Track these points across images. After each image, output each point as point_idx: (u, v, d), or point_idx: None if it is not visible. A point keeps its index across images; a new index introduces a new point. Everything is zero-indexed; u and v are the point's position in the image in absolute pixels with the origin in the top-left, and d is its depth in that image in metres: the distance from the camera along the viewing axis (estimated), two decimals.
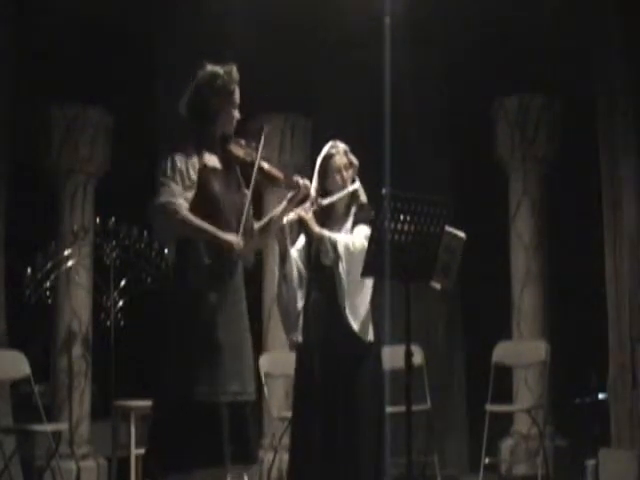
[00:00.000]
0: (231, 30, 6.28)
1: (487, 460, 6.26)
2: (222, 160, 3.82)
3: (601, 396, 6.77)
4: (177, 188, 3.63)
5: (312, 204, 4.38)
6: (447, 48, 6.78)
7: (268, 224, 4.02)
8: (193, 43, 6.62)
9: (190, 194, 3.66)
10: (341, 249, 4.35)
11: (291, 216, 4.25)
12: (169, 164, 3.67)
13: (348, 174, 4.51)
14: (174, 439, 3.58)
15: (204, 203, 3.68)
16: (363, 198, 4.53)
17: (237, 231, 3.71)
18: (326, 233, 4.41)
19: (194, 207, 3.66)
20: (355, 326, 4.32)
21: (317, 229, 4.40)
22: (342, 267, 4.35)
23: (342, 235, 4.43)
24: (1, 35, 6.15)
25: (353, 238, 4.41)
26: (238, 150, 3.84)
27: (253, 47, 6.12)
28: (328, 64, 6.84)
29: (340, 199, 4.48)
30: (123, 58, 6.71)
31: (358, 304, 4.35)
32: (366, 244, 4.28)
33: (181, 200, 3.63)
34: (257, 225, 3.96)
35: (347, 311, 4.32)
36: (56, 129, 6.77)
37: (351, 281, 4.33)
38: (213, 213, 3.69)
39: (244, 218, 3.73)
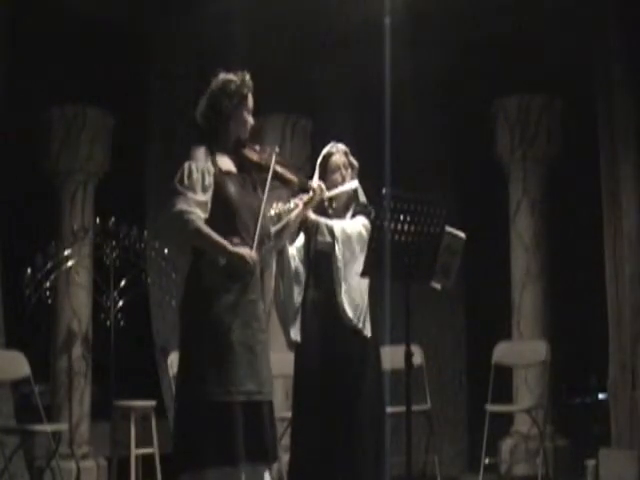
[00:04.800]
0: (231, 30, 6.28)
1: (487, 460, 6.26)
2: (236, 163, 3.85)
3: (601, 396, 6.78)
4: (194, 197, 3.64)
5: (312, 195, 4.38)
6: (447, 48, 6.78)
7: (284, 228, 4.06)
8: (193, 43, 6.62)
9: (206, 198, 3.67)
10: (338, 232, 4.39)
11: (287, 205, 4.25)
12: (186, 172, 3.68)
13: (347, 173, 4.54)
14: (188, 439, 3.62)
15: (221, 206, 3.70)
16: (362, 199, 4.56)
17: (254, 234, 3.73)
18: (322, 219, 4.43)
19: (211, 211, 3.68)
20: (349, 311, 4.32)
21: (313, 216, 4.41)
22: (338, 249, 4.37)
23: (339, 221, 4.46)
24: (1, 35, 6.15)
25: (350, 223, 4.45)
26: (252, 154, 3.87)
27: (253, 47, 6.12)
28: (328, 64, 6.84)
29: (339, 197, 4.50)
30: (123, 58, 6.71)
31: (352, 289, 4.35)
32: (364, 231, 4.34)
33: (197, 210, 3.63)
34: (273, 229, 4.00)
35: (342, 295, 4.32)
36: (56, 129, 6.77)
37: (346, 264, 4.36)
38: (230, 216, 3.71)
39: (259, 226, 3.74)
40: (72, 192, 6.79)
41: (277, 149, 3.93)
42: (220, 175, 3.74)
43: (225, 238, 3.68)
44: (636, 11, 5.88)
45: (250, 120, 3.89)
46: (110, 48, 6.56)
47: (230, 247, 3.66)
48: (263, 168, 3.85)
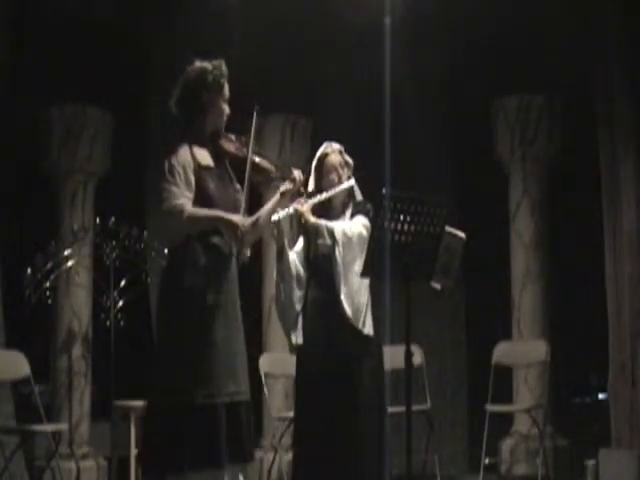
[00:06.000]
0: (231, 30, 6.28)
1: (487, 460, 6.26)
2: (213, 156, 3.83)
3: (601, 396, 6.78)
4: (178, 190, 3.65)
5: (307, 196, 4.39)
6: (447, 48, 6.78)
7: (258, 218, 3.99)
8: (193, 43, 6.61)
9: (191, 193, 3.68)
10: (338, 234, 4.38)
11: (287, 210, 4.25)
12: (167, 168, 3.69)
13: (343, 172, 4.55)
14: (171, 441, 3.57)
15: (200, 202, 3.70)
16: (358, 196, 4.57)
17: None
18: (322, 221, 4.43)
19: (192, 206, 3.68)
20: (348, 310, 4.32)
21: (313, 219, 4.41)
22: (338, 251, 4.36)
23: (339, 222, 4.46)
24: (1, 35, 6.15)
25: (350, 224, 4.44)
26: (229, 145, 3.85)
27: (253, 47, 6.12)
28: (328, 64, 6.83)
29: (336, 196, 4.50)
30: (123, 58, 6.71)
31: (353, 289, 4.35)
32: (364, 231, 4.34)
33: (184, 200, 3.65)
34: (250, 219, 3.92)
35: (342, 296, 4.32)
36: (56, 129, 6.77)
37: (347, 265, 4.35)
38: None
39: (243, 209, 3.74)
40: (72, 192, 6.80)
41: (255, 119, 3.84)
42: (199, 171, 3.73)
43: (203, 236, 3.70)
44: (636, 11, 5.88)
45: (227, 110, 3.87)
46: (110, 48, 6.56)
47: (222, 214, 3.68)
48: (240, 159, 3.83)
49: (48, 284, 6.58)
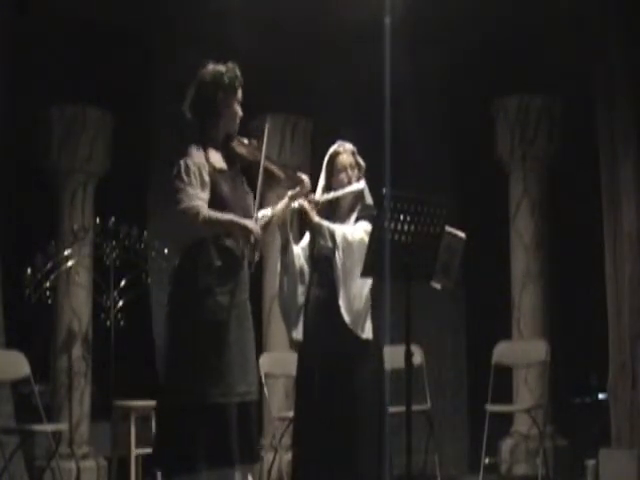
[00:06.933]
0: (231, 30, 6.28)
1: (487, 460, 6.26)
2: (225, 158, 3.84)
3: (601, 396, 6.78)
4: (194, 191, 3.66)
5: (312, 198, 4.38)
6: (448, 48, 6.78)
7: (269, 222, 4.04)
8: (193, 43, 6.62)
9: (206, 195, 3.69)
10: (339, 238, 4.36)
11: (292, 205, 4.25)
12: (183, 168, 3.68)
13: (354, 173, 4.52)
14: (183, 440, 3.59)
15: (214, 205, 3.71)
16: (368, 200, 4.53)
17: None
18: (325, 223, 4.41)
19: None
20: (347, 317, 4.31)
21: (316, 218, 4.40)
22: (338, 256, 4.35)
23: (341, 225, 4.45)
24: (1, 35, 6.15)
25: (352, 229, 4.42)
26: (242, 149, 3.86)
27: (253, 47, 6.12)
28: (328, 64, 6.83)
29: (344, 197, 4.48)
30: (123, 58, 6.71)
31: (352, 295, 4.33)
32: (366, 238, 4.30)
33: (200, 202, 3.65)
34: (263, 217, 3.98)
35: (340, 301, 4.31)
36: (56, 129, 6.77)
37: (346, 271, 4.34)
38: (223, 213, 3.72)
39: (255, 213, 3.76)
40: (72, 192, 6.80)
41: (266, 134, 3.88)
42: (214, 174, 3.73)
43: (217, 238, 3.71)
44: (636, 11, 5.88)
45: (240, 112, 3.88)
46: (110, 48, 6.56)
47: (236, 219, 3.69)
48: (252, 163, 3.85)
49: (48, 284, 6.58)
